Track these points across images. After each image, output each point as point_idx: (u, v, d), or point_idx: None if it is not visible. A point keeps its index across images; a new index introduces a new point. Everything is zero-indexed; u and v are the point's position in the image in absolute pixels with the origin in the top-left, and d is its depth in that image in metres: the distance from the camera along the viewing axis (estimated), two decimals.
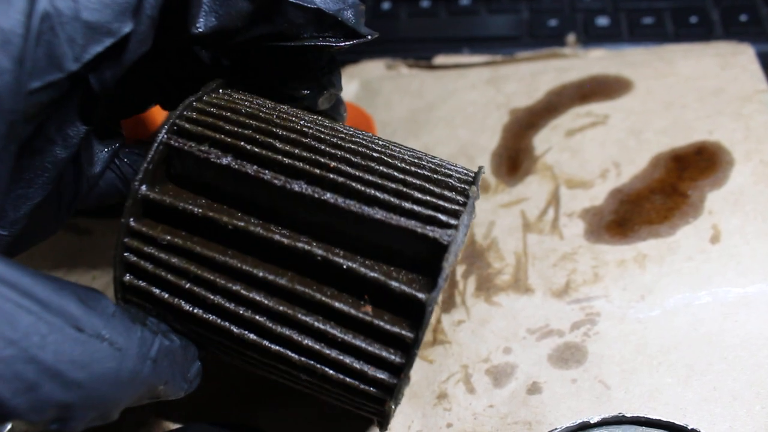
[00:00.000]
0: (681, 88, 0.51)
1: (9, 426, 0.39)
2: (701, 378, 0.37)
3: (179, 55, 0.32)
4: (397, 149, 0.30)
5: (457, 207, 0.27)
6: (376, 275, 0.26)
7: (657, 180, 0.45)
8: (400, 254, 0.27)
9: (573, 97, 0.52)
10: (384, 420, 0.29)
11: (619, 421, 0.35)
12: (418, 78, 0.57)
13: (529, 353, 0.39)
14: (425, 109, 0.54)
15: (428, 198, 0.27)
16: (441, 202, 0.27)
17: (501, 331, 0.40)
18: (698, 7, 0.58)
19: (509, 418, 0.37)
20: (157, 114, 0.47)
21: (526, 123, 0.51)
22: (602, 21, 0.59)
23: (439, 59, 0.58)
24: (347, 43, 0.30)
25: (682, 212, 0.43)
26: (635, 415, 0.35)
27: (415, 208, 0.27)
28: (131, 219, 0.28)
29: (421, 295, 0.26)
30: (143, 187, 0.28)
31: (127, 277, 0.28)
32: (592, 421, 0.35)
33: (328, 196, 0.27)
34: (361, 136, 0.30)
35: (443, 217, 0.27)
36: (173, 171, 0.29)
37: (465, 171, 0.31)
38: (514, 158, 0.49)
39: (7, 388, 0.21)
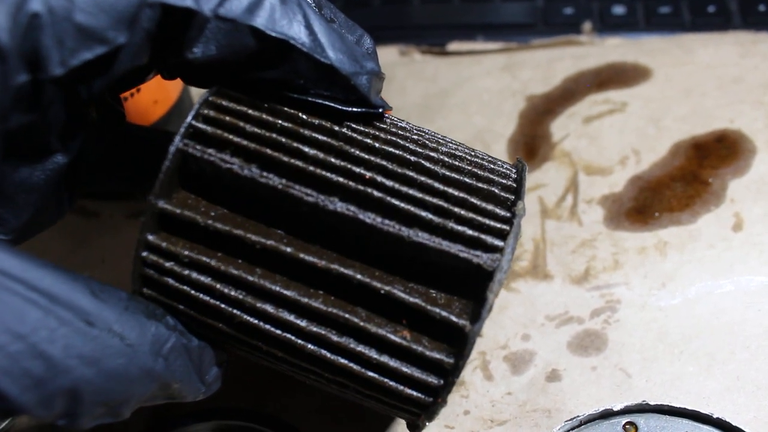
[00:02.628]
0: (700, 76, 0.50)
1: (7, 421, 0.38)
2: (723, 367, 0.36)
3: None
4: (433, 145, 0.28)
5: (501, 225, 0.26)
6: (415, 300, 0.25)
7: (677, 167, 0.45)
8: (439, 276, 0.25)
9: (590, 84, 0.51)
10: (414, 430, 0.28)
11: (642, 409, 0.34)
12: (432, 64, 0.56)
13: (548, 340, 0.38)
14: (439, 95, 0.53)
15: (472, 215, 0.25)
16: (486, 220, 0.26)
17: (519, 318, 0.39)
18: None
19: (528, 406, 0.36)
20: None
21: (543, 110, 0.50)
22: (618, 9, 0.58)
23: (453, 46, 0.57)
24: (355, 109, 0.27)
25: (704, 200, 0.43)
26: (658, 403, 0.34)
27: (458, 228, 0.25)
28: (148, 234, 0.26)
29: (462, 323, 0.24)
30: (160, 202, 0.25)
31: (146, 290, 0.26)
32: (615, 409, 0.34)
33: (365, 216, 0.25)
34: (393, 131, 0.28)
35: (489, 239, 0.25)
36: (188, 176, 0.26)
37: (506, 170, 0.29)
38: (531, 145, 0.48)
39: (16, 385, 0.21)
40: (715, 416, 0.33)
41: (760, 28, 0.54)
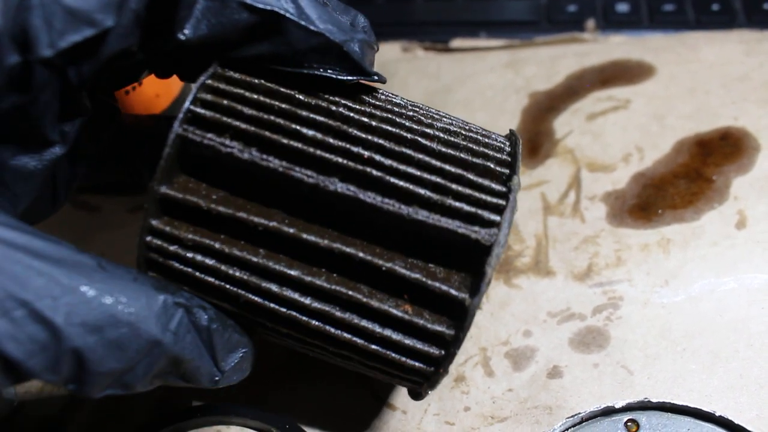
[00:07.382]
0: (705, 74, 0.50)
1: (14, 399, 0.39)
2: (726, 365, 0.36)
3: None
4: (428, 122, 0.28)
5: (498, 200, 0.26)
6: (416, 275, 0.25)
7: (681, 165, 0.44)
8: (439, 252, 0.26)
9: (593, 81, 0.51)
10: (416, 398, 0.29)
11: (644, 406, 0.34)
12: (434, 60, 0.56)
13: (550, 337, 0.38)
14: (442, 91, 0.53)
15: (469, 191, 0.26)
16: (482, 196, 0.26)
17: (521, 314, 0.39)
18: None
19: (529, 403, 0.36)
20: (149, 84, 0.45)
21: (546, 106, 0.50)
22: (622, 7, 0.58)
23: (456, 42, 0.57)
24: (350, 77, 0.27)
25: (707, 197, 0.42)
26: (660, 400, 0.34)
27: (456, 204, 0.26)
28: (151, 219, 0.26)
29: (462, 296, 0.25)
30: (162, 187, 0.26)
31: (151, 274, 0.27)
32: (616, 407, 0.34)
33: (366, 196, 0.25)
34: (388, 108, 0.28)
35: (486, 214, 0.26)
36: (189, 160, 0.27)
37: (500, 143, 0.29)
38: (534, 141, 0.48)
39: (22, 349, 0.21)
40: (717, 414, 0.33)
41: (765, 26, 0.54)
